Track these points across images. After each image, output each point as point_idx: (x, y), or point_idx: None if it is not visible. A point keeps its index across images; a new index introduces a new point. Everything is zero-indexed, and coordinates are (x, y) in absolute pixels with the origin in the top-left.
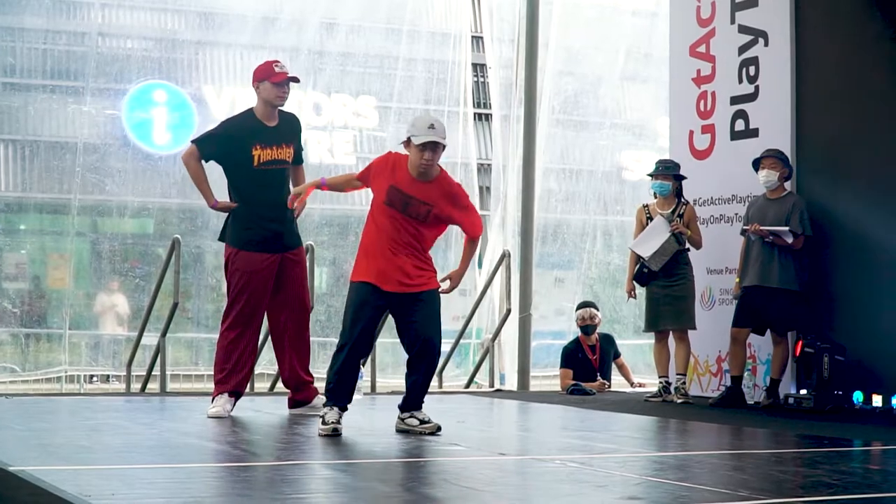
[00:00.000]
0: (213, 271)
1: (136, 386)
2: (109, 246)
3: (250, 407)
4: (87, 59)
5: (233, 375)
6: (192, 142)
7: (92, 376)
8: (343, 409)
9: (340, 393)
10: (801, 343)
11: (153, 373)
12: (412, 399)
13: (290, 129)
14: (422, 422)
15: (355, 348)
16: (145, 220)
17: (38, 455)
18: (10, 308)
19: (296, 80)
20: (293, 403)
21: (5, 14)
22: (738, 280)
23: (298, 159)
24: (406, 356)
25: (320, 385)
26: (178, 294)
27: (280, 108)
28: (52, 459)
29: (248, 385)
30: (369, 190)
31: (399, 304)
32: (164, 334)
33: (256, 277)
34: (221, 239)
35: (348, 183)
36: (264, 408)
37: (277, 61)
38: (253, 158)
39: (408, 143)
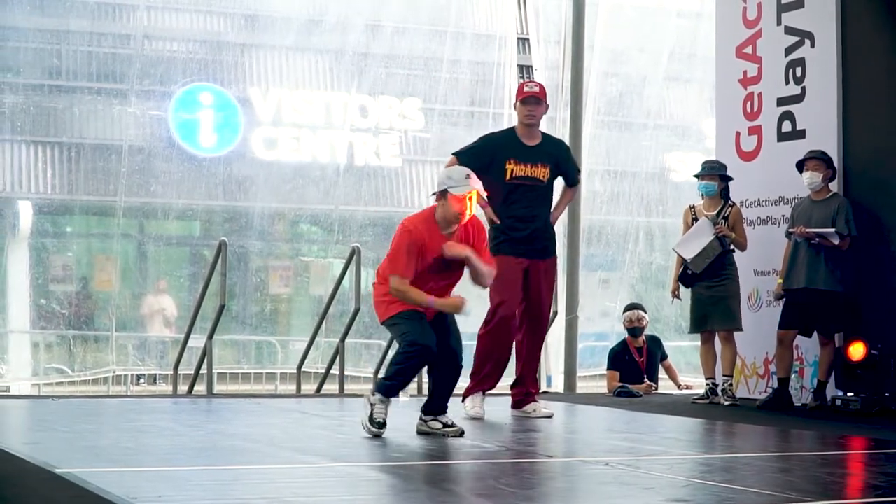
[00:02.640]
0: (257, 272)
1: (182, 387)
2: (155, 247)
3: (297, 409)
4: (132, 62)
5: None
6: (454, 154)
7: (139, 377)
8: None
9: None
10: (864, 345)
11: (200, 373)
12: (438, 404)
13: (550, 151)
14: (445, 425)
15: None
16: (191, 221)
17: (85, 457)
18: (57, 310)
19: (537, 97)
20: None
21: (50, 17)
22: (780, 281)
23: (569, 181)
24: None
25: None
26: (225, 296)
27: (534, 126)
28: (98, 461)
29: (297, 387)
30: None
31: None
32: (210, 336)
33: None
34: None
35: (415, 288)
36: (311, 409)
37: (529, 80)
38: (506, 172)
39: (442, 195)
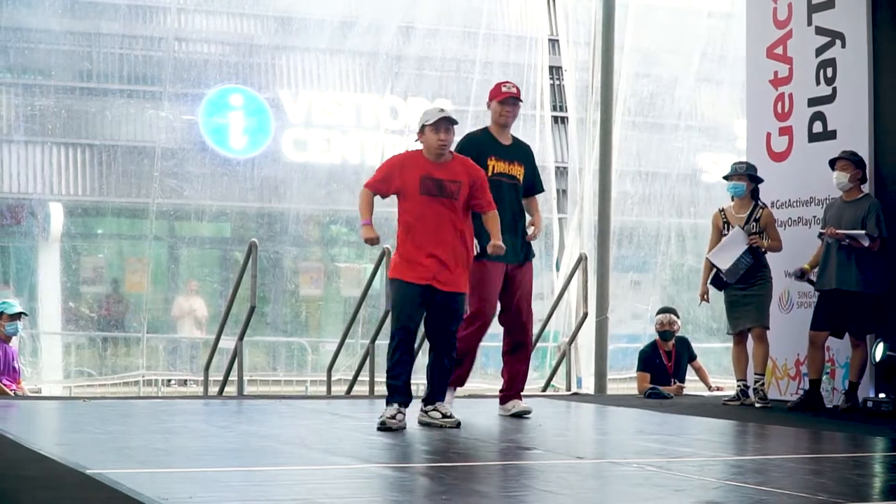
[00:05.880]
0: (292, 276)
1: (213, 390)
2: (187, 250)
3: (327, 410)
4: (164, 64)
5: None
6: None
7: (169, 380)
8: (403, 404)
9: (398, 389)
10: (882, 346)
11: (230, 377)
12: (437, 391)
13: (524, 151)
14: (444, 415)
15: (405, 344)
16: (223, 224)
17: (116, 458)
18: (87, 312)
19: (515, 98)
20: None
21: (81, 19)
22: (807, 267)
23: (536, 188)
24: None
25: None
26: (255, 297)
27: (508, 126)
28: (129, 462)
29: (327, 388)
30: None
31: (432, 298)
32: (241, 338)
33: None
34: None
35: (370, 203)
36: (341, 410)
37: (507, 81)
38: (488, 168)
39: (422, 132)
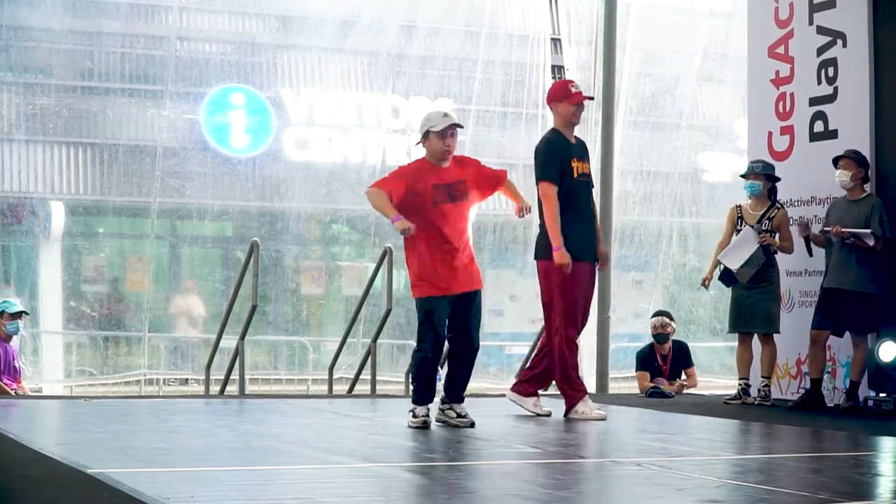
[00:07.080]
0: (293, 275)
1: (214, 389)
2: (189, 249)
3: (329, 409)
4: (166, 63)
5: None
6: (543, 179)
7: (172, 380)
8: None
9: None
10: (894, 346)
11: (232, 376)
12: (455, 392)
13: (586, 148)
14: (458, 415)
15: (434, 350)
16: (225, 223)
17: (117, 457)
18: (88, 311)
19: (589, 98)
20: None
21: (83, 18)
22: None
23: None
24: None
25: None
26: (257, 296)
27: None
28: (130, 462)
29: (329, 387)
30: None
31: (458, 302)
32: (242, 337)
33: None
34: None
35: (389, 200)
36: (343, 410)
37: (572, 81)
38: (573, 170)
39: (425, 138)
